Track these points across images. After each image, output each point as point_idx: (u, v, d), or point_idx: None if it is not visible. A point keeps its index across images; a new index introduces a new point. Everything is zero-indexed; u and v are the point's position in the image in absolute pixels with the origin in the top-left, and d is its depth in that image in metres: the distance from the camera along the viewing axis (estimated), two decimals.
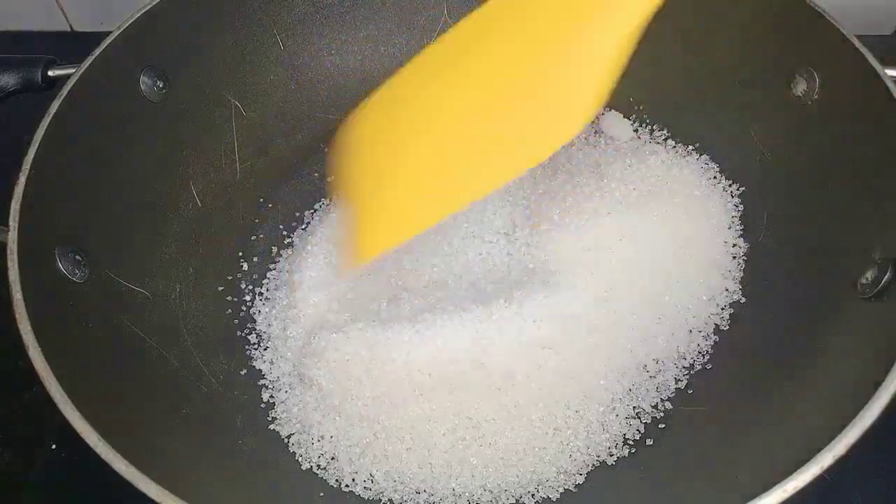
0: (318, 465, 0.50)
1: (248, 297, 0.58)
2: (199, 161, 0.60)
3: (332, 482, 0.49)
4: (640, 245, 0.56)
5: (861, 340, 0.43)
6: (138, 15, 0.53)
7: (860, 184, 0.49)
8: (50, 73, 0.54)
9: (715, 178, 0.60)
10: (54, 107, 0.48)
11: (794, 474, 0.35)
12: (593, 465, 0.49)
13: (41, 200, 0.45)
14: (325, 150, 0.63)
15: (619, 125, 0.62)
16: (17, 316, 0.40)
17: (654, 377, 0.52)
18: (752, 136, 0.58)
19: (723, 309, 0.54)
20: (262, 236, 0.62)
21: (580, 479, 0.49)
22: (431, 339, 0.52)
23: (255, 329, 0.57)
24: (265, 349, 0.55)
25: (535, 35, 0.41)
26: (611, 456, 0.50)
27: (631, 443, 0.50)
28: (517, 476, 0.48)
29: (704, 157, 0.61)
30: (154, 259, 0.55)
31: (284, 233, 0.62)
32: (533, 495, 0.48)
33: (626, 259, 0.56)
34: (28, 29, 0.81)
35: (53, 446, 0.55)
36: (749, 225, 0.57)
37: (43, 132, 0.47)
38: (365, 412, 0.50)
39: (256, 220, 0.62)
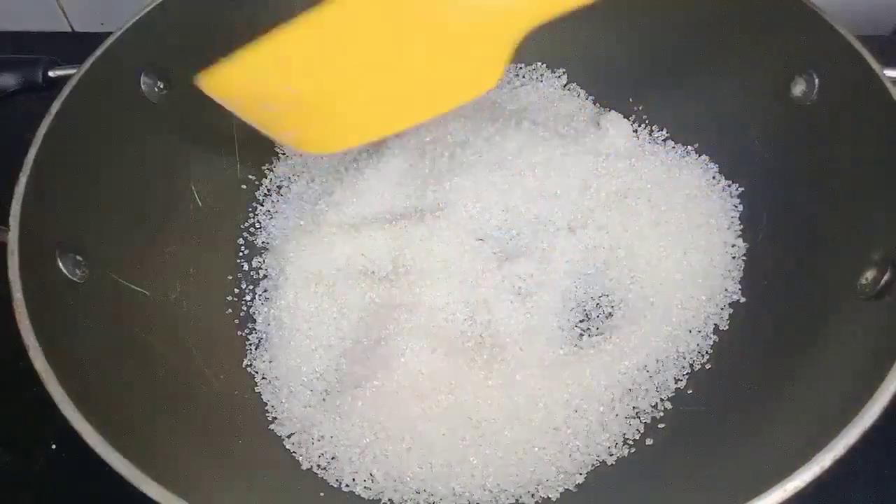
0: (318, 465, 0.50)
1: (248, 297, 0.58)
2: (199, 161, 0.60)
3: (332, 482, 0.49)
4: (639, 245, 0.56)
5: (861, 340, 0.43)
6: (138, 15, 0.53)
7: (860, 184, 0.49)
8: (50, 73, 0.54)
9: (715, 178, 0.60)
10: (54, 107, 0.48)
11: (794, 474, 0.35)
12: (593, 465, 0.49)
13: (41, 200, 0.45)
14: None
15: (619, 125, 0.62)
16: (17, 316, 0.40)
17: (654, 377, 0.52)
18: (752, 136, 0.58)
19: (723, 309, 0.54)
20: (262, 236, 0.62)
21: (580, 479, 0.49)
22: (430, 336, 0.52)
23: (255, 329, 0.57)
24: (265, 349, 0.55)
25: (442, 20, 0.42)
26: (611, 456, 0.50)
27: (631, 443, 0.50)
28: (517, 476, 0.48)
29: (704, 157, 0.61)
30: (154, 259, 0.55)
31: (284, 232, 0.62)
32: (533, 495, 0.48)
33: (626, 259, 0.56)
34: (28, 29, 0.81)
35: (53, 446, 0.55)
36: (749, 225, 0.57)
37: (43, 132, 0.47)
38: (365, 412, 0.50)
39: (256, 220, 0.62)
